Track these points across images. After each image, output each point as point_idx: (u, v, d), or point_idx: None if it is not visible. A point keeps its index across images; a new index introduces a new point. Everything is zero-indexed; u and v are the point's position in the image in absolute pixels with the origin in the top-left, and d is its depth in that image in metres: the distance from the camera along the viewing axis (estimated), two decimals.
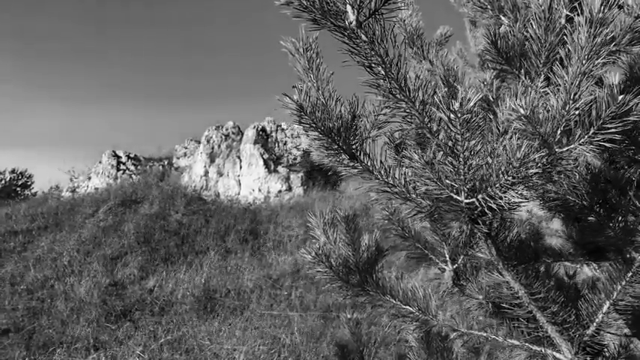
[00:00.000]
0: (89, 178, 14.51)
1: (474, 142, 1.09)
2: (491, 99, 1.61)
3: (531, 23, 1.31)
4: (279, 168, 13.32)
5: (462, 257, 1.87)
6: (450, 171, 1.15)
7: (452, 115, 1.07)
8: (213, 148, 13.65)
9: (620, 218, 1.44)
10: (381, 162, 1.34)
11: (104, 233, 9.86)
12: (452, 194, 1.18)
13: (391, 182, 1.34)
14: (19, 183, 21.17)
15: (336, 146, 1.34)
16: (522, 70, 1.37)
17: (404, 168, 1.36)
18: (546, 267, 2.04)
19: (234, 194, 12.90)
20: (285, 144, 13.98)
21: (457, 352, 1.86)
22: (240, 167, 13.33)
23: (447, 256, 1.89)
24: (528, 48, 1.33)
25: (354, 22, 1.21)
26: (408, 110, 1.29)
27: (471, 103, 1.07)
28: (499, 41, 1.41)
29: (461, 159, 1.12)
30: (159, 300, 7.57)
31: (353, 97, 1.40)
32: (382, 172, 1.34)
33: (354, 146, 1.37)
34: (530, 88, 1.37)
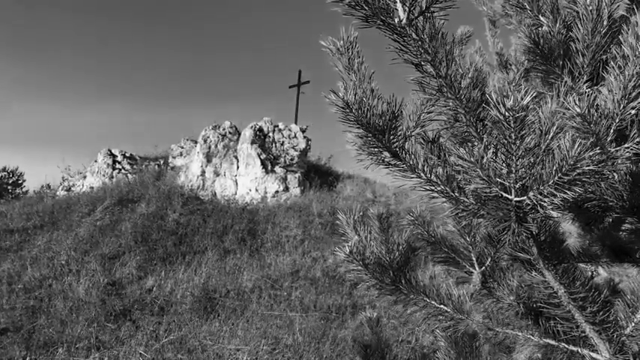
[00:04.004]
0: (84, 177, 14.41)
1: (528, 139, 1.09)
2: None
3: (576, 24, 1.31)
4: (277, 168, 13.30)
5: (489, 259, 1.87)
6: (501, 169, 1.15)
7: (506, 113, 1.07)
8: (210, 147, 13.59)
9: None
10: (424, 160, 1.34)
11: (101, 232, 9.79)
12: (501, 192, 1.18)
13: (434, 180, 1.34)
14: (10, 181, 21.01)
15: (380, 144, 1.34)
16: (565, 70, 1.37)
17: (447, 166, 1.36)
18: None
19: (231, 194, 12.85)
20: (282, 144, 13.96)
21: (486, 352, 1.86)
22: (238, 167, 13.30)
23: (474, 258, 1.89)
24: (572, 48, 1.34)
25: (404, 20, 1.21)
26: (454, 108, 1.30)
27: (526, 101, 1.07)
28: (541, 41, 1.41)
29: (513, 157, 1.12)
30: (158, 300, 7.53)
31: (391, 97, 1.39)
32: (425, 170, 1.34)
33: (395, 144, 1.37)
34: (574, 89, 1.38)
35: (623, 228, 2.04)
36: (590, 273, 2.17)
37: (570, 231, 2.53)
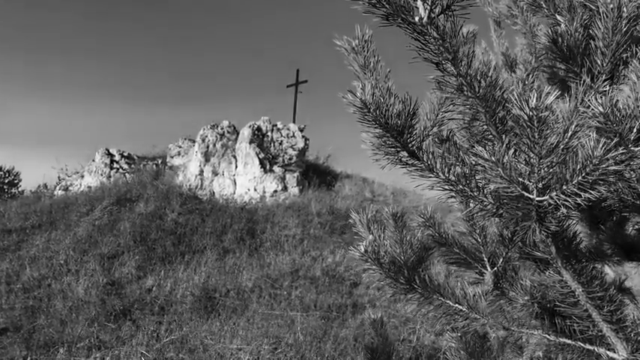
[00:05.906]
0: (82, 177, 14.36)
1: (552, 138, 1.09)
2: None
3: (596, 22, 1.31)
4: (275, 168, 13.28)
5: (501, 260, 1.86)
6: (523, 168, 1.14)
7: (530, 113, 1.07)
8: (208, 147, 13.57)
9: None
10: (443, 159, 1.34)
11: (100, 232, 9.76)
12: (523, 192, 1.18)
13: (453, 179, 1.33)
14: (6, 181, 20.91)
15: (398, 144, 1.34)
16: (584, 69, 1.37)
17: (465, 166, 1.35)
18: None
19: (229, 194, 12.84)
20: (280, 144, 13.95)
21: (496, 351, 1.86)
22: (236, 167, 13.28)
23: (485, 259, 1.88)
24: (592, 46, 1.33)
25: (425, 19, 1.20)
26: (474, 107, 1.29)
27: (549, 100, 1.06)
28: (559, 39, 1.41)
29: (536, 157, 1.11)
30: (158, 299, 7.51)
31: (406, 95, 1.39)
32: (444, 170, 1.34)
33: (413, 144, 1.37)
34: (593, 87, 1.38)
35: (635, 227, 2.04)
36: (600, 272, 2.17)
37: (578, 230, 2.53)
